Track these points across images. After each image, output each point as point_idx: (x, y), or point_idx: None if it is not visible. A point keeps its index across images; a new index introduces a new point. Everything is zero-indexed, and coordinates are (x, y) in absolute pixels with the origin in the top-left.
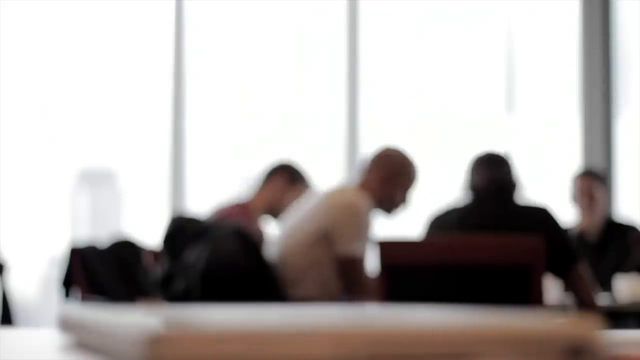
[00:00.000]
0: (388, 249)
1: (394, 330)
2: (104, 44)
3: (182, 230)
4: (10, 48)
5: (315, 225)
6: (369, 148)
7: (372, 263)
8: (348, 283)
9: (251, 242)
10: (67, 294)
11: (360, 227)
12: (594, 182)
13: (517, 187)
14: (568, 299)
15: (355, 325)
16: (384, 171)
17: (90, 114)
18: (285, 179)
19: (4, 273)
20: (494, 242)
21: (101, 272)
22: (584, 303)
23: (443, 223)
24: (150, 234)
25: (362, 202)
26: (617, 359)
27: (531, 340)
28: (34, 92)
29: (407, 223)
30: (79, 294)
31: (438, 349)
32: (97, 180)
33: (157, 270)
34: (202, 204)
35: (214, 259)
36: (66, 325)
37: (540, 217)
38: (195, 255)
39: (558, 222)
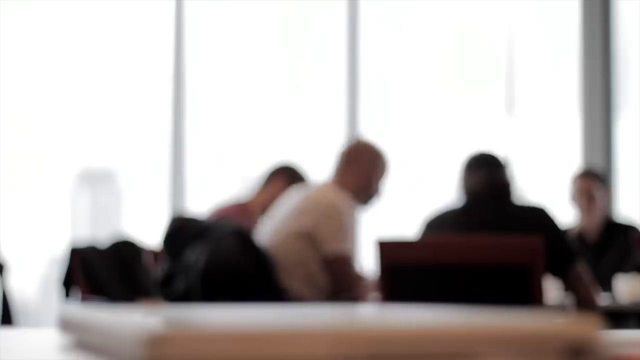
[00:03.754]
0: (388, 249)
1: (393, 330)
2: (104, 44)
3: (181, 230)
4: (11, 48)
5: (297, 225)
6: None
7: (368, 262)
8: (340, 282)
9: (250, 242)
10: (67, 294)
11: (344, 226)
12: (593, 182)
13: (512, 187)
14: (568, 299)
15: (354, 325)
16: (358, 164)
17: (90, 114)
18: (286, 181)
19: (4, 273)
20: (494, 242)
21: (101, 272)
22: (584, 303)
23: (439, 225)
24: (150, 234)
25: (343, 201)
26: (617, 359)
27: (531, 340)
28: (34, 92)
29: (408, 223)
30: (79, 294)
31: (438, 349)
32: (97, 180)
33: (158, 271)
34: (202, 204)
35: (213, 259)
36: (66, 325)
37: (538, 218)
38: (195, 255)
39: (556, 222)
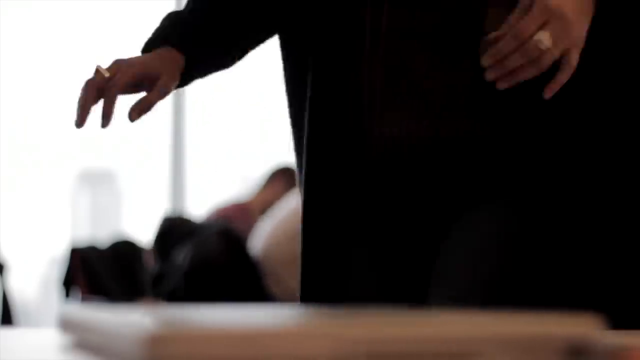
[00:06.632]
0: None
1: (394, 330)
2: (104, 44)
3: (171, 230)
4: (11, 49)
5: (297, 223)
6: None
7: None
8: None
9: (236, 242)
10: (67, 294)
11: None
12: None
13: None
14: None
15: (354, 324)
16: None
17: (90, 115)
18: (285, 182)
19: (4, 273)
20: None
21: (101, 272)
22: None
23: None
24: (150, 234)
25: None
26: (617, 359)
27: (531, 340)
28: (35, 93)
29: None
30: (79, 294)
31: (438, 349)
32: (97, 180)
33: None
34: (202, 204)
35: (197, 258)
36: (66, 325)
37: None
38: (182, 255)
39: None
